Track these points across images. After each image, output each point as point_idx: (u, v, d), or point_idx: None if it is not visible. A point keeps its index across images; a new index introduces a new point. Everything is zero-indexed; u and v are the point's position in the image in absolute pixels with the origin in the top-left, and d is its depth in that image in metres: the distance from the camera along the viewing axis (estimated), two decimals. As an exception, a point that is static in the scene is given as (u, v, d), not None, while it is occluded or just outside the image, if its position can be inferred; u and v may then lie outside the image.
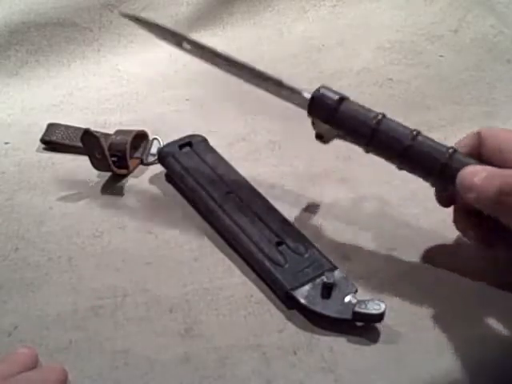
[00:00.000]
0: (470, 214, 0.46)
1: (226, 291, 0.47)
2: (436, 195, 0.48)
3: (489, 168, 0.42)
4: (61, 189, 0.56)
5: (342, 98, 0.47)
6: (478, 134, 0.45)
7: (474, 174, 0.42)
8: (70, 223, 0.53)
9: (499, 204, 0.40)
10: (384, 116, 0.46)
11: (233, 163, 0.56)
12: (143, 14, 0.77)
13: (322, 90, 0.47)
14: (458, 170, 0.43)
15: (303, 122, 0.65)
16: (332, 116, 0.47)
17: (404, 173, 0.46)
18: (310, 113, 0.48)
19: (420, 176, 0.46)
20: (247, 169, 0.56)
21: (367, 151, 0.47)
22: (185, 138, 0.58)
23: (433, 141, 0.46)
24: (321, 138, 0.49)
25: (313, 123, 0.49)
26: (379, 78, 0.70)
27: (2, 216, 0.54)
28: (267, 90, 0.50)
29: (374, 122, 0.46)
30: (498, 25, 0.77)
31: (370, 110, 0.47)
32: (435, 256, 0.49)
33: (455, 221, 0.48)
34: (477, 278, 0.47)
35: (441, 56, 0.74)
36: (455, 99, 0.67)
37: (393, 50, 0.75)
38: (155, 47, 0.76)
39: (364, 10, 0.81)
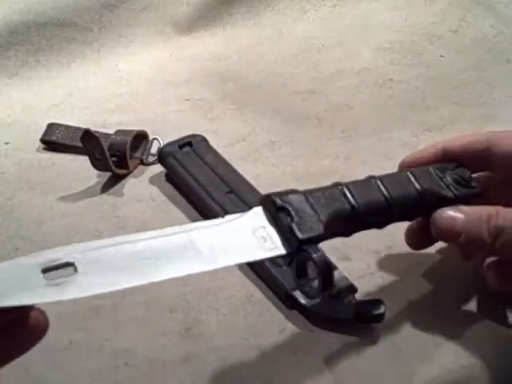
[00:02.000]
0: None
1: (225, 291, 0.47)
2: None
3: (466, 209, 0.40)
4: (61, 189, 0.56)
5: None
6: (487, 141, 0.43)
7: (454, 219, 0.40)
8: (70, 223, 0.53)
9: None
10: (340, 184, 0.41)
11: (233, 163, 0.56)
12: (143, 14, 0.78)
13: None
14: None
15: (303, 122, 0.65)
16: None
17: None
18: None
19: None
20: (247, 169, 0.56)
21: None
22: (185, 138, 0.58)
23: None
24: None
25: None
26: (379, 78, 0.70)
27: (1, 216, 0.54)
28: None
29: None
30: (498, 25, 0.77)
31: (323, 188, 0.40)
32: (435, 256, 0.49)
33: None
34: (478, 278, 0.47)
35: (441, 56, 0.74)
36: (455, 99, 0.67)
37: (393, 50, 0.75)
38: (155, 47, 0.76)
39: (364, 9, 0.81)
